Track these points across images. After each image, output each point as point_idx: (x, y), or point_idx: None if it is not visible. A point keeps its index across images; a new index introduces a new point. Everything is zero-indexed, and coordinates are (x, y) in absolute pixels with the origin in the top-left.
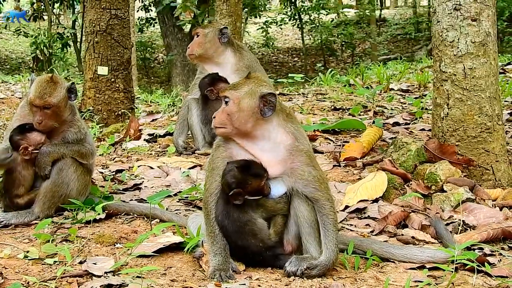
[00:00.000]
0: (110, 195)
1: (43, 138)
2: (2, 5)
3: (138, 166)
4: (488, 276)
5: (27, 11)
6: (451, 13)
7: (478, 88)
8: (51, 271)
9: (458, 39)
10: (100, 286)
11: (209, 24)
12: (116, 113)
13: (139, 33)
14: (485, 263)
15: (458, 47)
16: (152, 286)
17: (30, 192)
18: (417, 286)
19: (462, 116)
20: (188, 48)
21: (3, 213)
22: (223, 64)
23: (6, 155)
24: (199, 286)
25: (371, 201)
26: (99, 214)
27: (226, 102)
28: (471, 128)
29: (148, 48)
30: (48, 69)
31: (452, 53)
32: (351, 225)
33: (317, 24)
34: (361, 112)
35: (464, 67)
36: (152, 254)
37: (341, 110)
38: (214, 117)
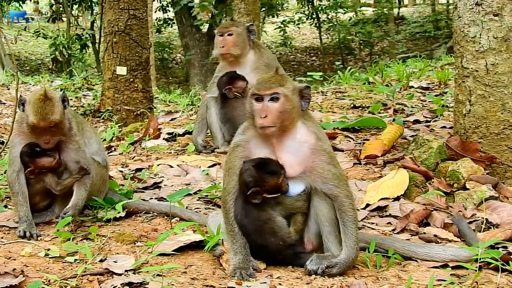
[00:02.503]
0: (129, 190)
1: (53, 161)
2: (22, 7)
3: (158, 165)
4: None
5: (39, 11)
6: (472, 8)
7: (501, 84)
8: (71, 269)
9: (480, 34)
10: (121, 284)
11: (235, 22)
12: (135, 113)
13: (157, 33)
14: (510, 262)
15: (480, 43)
16: (173, 285)
17: (47, 197)
18: (440, 285)
19: (484, 112)
20: (222, 47)
21: None
22: (244, 62)
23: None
24: (220, 284)
25: (392, 199)
26: (119, 212)
27: (275, 99)
28: (493, 125)
29: (166, 49)
30: (67, 70)
31: (474, 48)
32: (372, 223)
33: (335, 23)
34: (381, 110)
35: (486, 63)
36: (173, 252)
37: (360, 108)
38: (265, 117)
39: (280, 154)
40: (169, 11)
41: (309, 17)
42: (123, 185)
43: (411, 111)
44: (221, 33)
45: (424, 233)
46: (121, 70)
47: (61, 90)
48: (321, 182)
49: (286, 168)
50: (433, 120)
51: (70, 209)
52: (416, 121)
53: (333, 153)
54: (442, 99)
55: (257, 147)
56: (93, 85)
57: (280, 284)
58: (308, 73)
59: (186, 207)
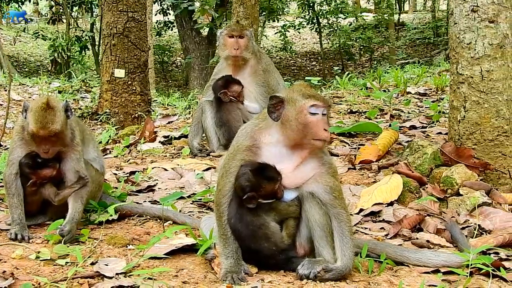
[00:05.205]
0: (123, 192)
1: (53, 171)
2: (21, 8)
3: (152, 168)
4: (504, 280)
5: (36, 12)
6: (468, 14)
7: (495, 90)
8: (62, 272)
9: (475, 41)
10: (112, 287)
11: (244, 26)
12: (132, 116)
13: (157, 36)
14: (501, 268)
15: (475, 49)
16: None
17: (42, 205)
18: None
19: (478, 119)
20: (236, 49)
21: None
22: (245, 66)
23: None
24: None
25: (386, 205)
26: (111, 215)
27: (326, 114)
28: (487, 131)
29: (166, 52)
30: (66, 72)
31: (469, 55)
32: (366, 228)
33: (335, 28)
34: (377, 115)
35: (481, 69)
36: (164, 256)
37: (357, 113)
38: (327, 130)
39: (299, 166)
40: (170, 14)
41: (310, 22)
42: (116, 187)
43: (407, 116)
44: (232, 35)
45: (417, 238)
46: (119, 73)
47: (59, 92)
48: (324, 190)
49: (293, 179)
50: (429, 126)
51: (67, 224)
52: (412, 127)
53: (336, 168)
54: (438, 105)
55: (272, 155)
56: (91, 88)
57: None
58: (307, 78)
59: (180, 211)
